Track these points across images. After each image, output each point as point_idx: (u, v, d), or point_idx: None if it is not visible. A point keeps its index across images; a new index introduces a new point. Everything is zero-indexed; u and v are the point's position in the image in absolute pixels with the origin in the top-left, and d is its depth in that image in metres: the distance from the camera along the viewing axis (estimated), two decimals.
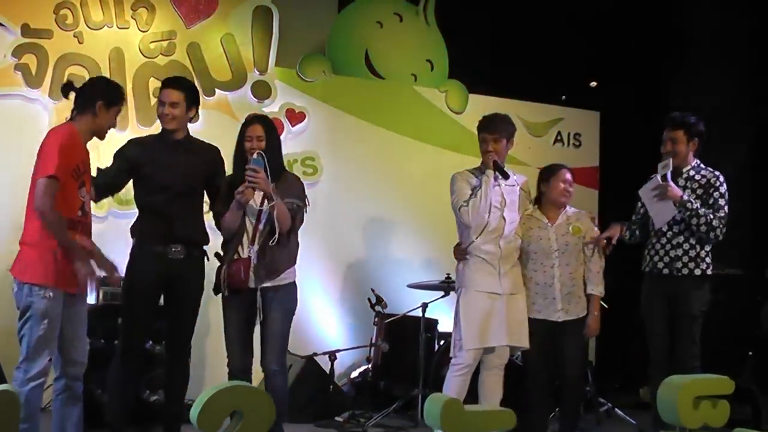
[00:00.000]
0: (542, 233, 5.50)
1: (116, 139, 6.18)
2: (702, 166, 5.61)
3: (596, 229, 5.63)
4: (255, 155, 4.84)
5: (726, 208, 5.46)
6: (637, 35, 8.52)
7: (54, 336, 4.28)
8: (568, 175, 5.60)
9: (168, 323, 5.15)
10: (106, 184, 5.00)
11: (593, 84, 9.04)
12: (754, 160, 8.24)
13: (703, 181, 5.53)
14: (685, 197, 5.40)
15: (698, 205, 5.41)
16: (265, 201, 4.83)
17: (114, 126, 4.61)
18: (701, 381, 2.64)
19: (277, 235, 4.82)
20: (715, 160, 5.73)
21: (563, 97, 8.72)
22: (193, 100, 5.09)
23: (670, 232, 5.53)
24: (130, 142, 5.21)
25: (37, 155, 4.31)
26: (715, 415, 2.63)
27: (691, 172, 5.58)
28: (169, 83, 5.12)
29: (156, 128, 5.21)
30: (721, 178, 5.52)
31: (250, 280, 4.84)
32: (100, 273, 4.41)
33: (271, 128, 5.07)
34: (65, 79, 6.39)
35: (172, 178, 4.96)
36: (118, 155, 5.07)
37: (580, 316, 5.47)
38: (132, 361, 5.01)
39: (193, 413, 2.16)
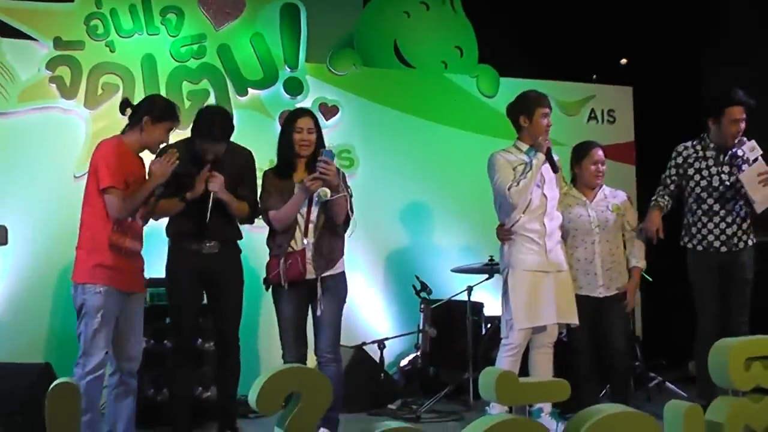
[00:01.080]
0: (581, 210, 5.51)
1: None
2: (742, 139, 5.65)
3: (632, 208, 5.63)
4: (327, 147, 4.92)
5: None
6: (667, 8, 8.44)
7: (109, 330, 4.46)
8: (599, 155, 5.59)
9: (214, 319, 5.25)
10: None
11: (623, 61, 8.98)
12: None
13: (746, 156, 5.57)
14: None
15: None
16: (324, 189, 4.83)
17: (165, 141, 4.76)
18: (752, 342, 2.61)
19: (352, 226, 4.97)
20: (748, 133, 5.70)
21: (594, 76, 8.66)
22: None
23: (723, 210, 5.54)
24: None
25: (89, 167, 4.59)
26: (767, 376, 2.61)
27: (734, 149, 5.62)
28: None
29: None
30: (758, 147, 5.57)
31: (308, 272, 4.87)
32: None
33: (318, 123, 5.10)
34: (100, 89, 6.59)
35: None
36: None
37: (623, 291, 5.49)
38: (184, 360, 5.09)
39: (252, 396, 2.19)
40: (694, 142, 5.75)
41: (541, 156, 5.13)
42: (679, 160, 5.75)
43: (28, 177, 6.45)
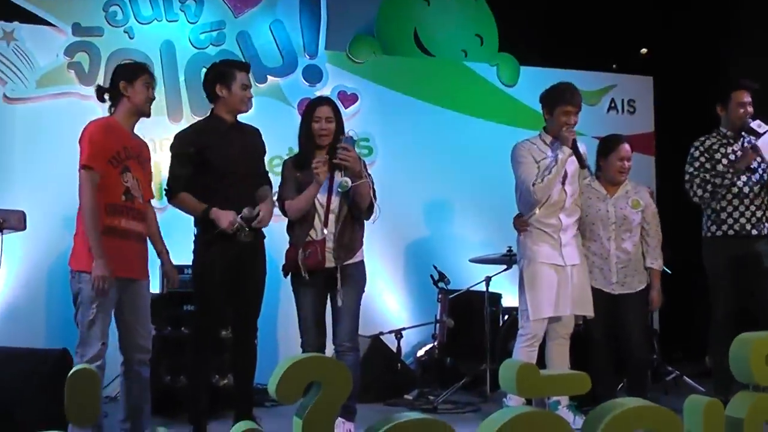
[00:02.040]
0: (601, 205, 5.46)
1: (172, 129, 6.29)
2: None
3: (653, 206, 5.58)
4: (347, 134, 4.87)
5: None
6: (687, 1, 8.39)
7: (106, 321, 4.39)
8: (626, 152, 5.53)
9: (235, 307, 5.07)
10: (192, 188, 4.89)
11: (644, 51, 8.92)
12: None
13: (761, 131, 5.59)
14: None
15: None
16: (345, 178, 4.81)
17: (151, 98, 4.65)
18: None
19: (377, 212, 4.91)
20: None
21: (614, 65, 8.62)
22: None
23: (752, 193, 5.57)
24: (183, 135, 5.06)
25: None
26: None
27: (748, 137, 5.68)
28: (248, 67, 5.14)
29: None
30: None
31: (327, 261, 4.84)
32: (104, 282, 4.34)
33: (337, 111, 5.05)
34: None
35: (235, 161, 4.91)
36: (180, 154, 4.94)
37: (638, 290, 5.44)
38: (206, 349, 5.02)
39: (271, 385, 2.17)
40: (712, 135, 5.80)
41: (567, 150, 5.08)
42: (703, 148, 5.77)
43: (47, 162, 6.46)
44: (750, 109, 5.66)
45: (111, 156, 4.43)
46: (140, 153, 4.65)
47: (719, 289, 5.63)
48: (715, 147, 5.74)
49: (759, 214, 5.64)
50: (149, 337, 4.67)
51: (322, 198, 4.87)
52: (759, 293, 5.60)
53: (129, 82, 4.55)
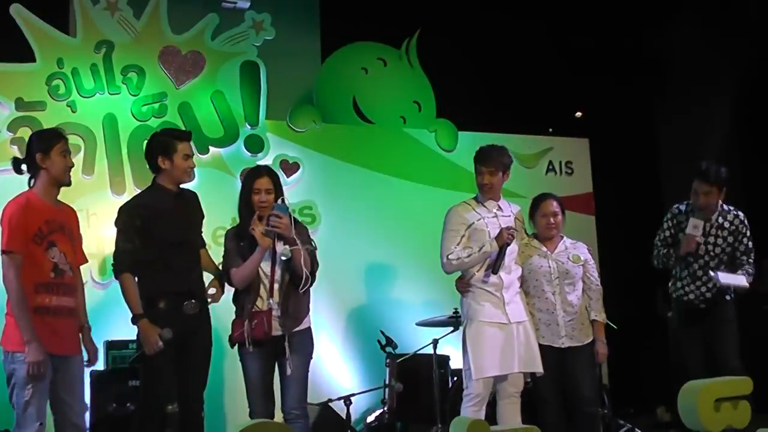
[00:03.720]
0: (542, 261, 5.54)
1: (114, 202, 6.27)
2: (724, 207, 5.85)
3: (592, 260, 5.68)
4: (279, 201, 4.89)
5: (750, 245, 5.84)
6: (620, 62, 8.61)
7: (42, 400, 4.30)
8: (551, 207, 5.63)
9: (181, 380, 4.94)
10: (140, 262, 4.83)
11: (579, 114, 9.12)
12: (743, 175, 8.31)
13: (732, 228, 5.81)
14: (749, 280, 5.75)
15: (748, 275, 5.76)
16: (280, 246, 4.85)
17: (70, 165, 4.60)
18: (720, 383, 2.65)
19: (308, 281, 4.87)
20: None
21: (550, 129, 8.79)
22: None
23: (705, 276, 5.79)
24: (127, 208, 4.97)
25: None
26: (737, 416, 2.63)
27: (720, 219, 5.83)
28: (189, 135, 5.14)
29: None
30: (745, 220, 5.83)
31: (274, 330, 4.84)
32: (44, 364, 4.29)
33: (277, 180, 5.10)
34: None
35: (181, 231, 4.94)
36: (125, 229, 4.85)
37: (585, 342, 5.51)
38: (153, 424, 4.90)
39: None
40: (686, 206, 5.94)
41: (495, 246, 5.17)
42: (673, 221, 5.94)
43: None
44: (708, 198, 5.70)
45: (33, 234, 4.36)
46: (64, 223, 4.57)
47: (687, 348, 5.84)
48: (682, 219, 5.86)
49: (708, 295, 5.80)
50: (83, 414, 4.64)
51: (266, 268, 4.90)
52: (717, 343, 5.76)
53: (45, 153, 4.48)
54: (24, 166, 4.58)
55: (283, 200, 4.89)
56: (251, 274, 4.88)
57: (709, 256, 5.81)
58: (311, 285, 4.98)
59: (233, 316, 5.01)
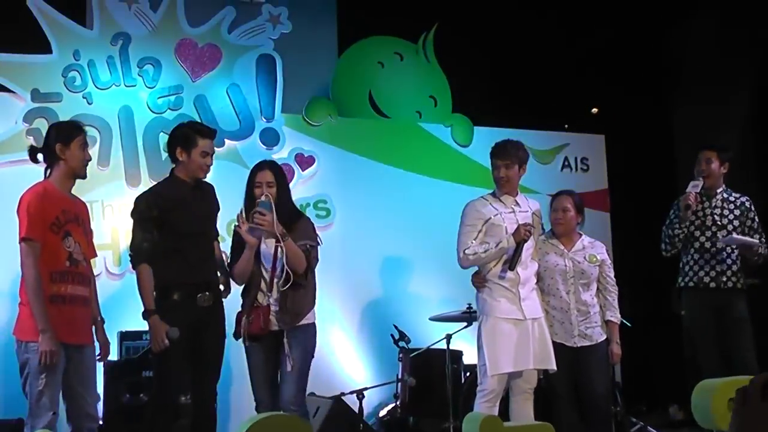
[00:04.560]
0: (558, 260, 5.52)
1: (130, 194, 6.30)
2: (729, 190, 5.93)
3: (609, 260, 5.67)
4: (263, 198, 4.87)
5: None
6: (638, 59, 8.58)
7: (56, 390, 4.33)
8: (559, 203, 5.63)
9: (194, 372, 4.97)
10: (156, 252, 4.82)
11: (594, 110, 9.09)
12: (759, 172, 8.27)
13: (738, 203, 5.87)
14: (763, 250, 5.76)
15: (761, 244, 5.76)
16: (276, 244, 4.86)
17: (88, 159, 4.64)
18: (735, 382, 2.63)
19: (291, 279, 4.83)
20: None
21: (566, 125, 8.76)
22: None
23: (714, 249, 5.77)
24: (144, 198, 4.98)
25: None
26: None
27: (725, 194, 5.90)
28: (213, 133, 5.13)
29: None
30: (752, 206, 5.90)
31: (272, 325, 4.86)
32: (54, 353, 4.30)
33: (280, 174, 5.10)
34: None
35: (197, 222, 4.94)
36: (142, 219, 4.85)
37: (599, 341, 5.49)
38: (166, 415, 4.93)
39: None
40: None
41: (512, 243, 5.15)
42: (676, 207, 5.96)
43: (4, 231, 6.37)
44: (708, 166, 5.85)
45: (50, 223, 4.40)
46: (78, 214, 4.61)
47: (700, 340, 5.80)
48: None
49: (719, 268, 5.78)
50: (96, 405, 4.63)
51: (267, 264, 4.92)
52: (731, 340, 5.74)
53: (65, 144, 4.52)
54: (40, 156, 4.61)
55: (267, 196, 4.88)
56: (245, 271, 4.93)
57: (716, 227, 5.83)
58: (304, 280, 4.94)
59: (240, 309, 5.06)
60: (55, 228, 4.41)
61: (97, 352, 4.71)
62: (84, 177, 4.68)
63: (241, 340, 4.99)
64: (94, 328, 4.69)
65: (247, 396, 5.01)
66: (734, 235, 5.73)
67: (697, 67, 8.52)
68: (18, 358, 4.37)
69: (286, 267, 4.82)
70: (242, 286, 5.09)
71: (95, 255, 4.90)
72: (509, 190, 5.35)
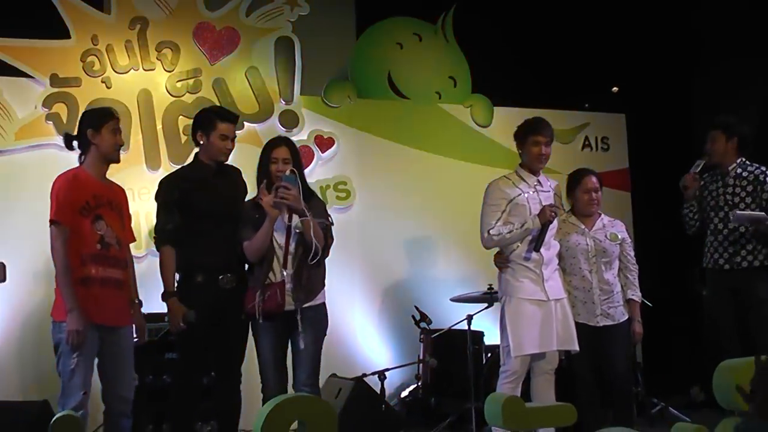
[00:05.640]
0: (580, 239, 5.50)
1: (150, 178, 6.32)
2: (747, 162, 5.77)
3: (629, 239, 5.64)
4: (288, 172, 4.81)
5: None
6: (658, 36, 8.50)
7: (87, 370, 4.38)
8: (592, 183, 5.59)
9: (217, 353, 4.99)
10: (179, 234, 4.85)
11: (615, 89, 9.02)
12: None
13: (751, 177, 5.69)
14: None
15: None
16: (295, 218, 4.78)
17: (120, 144, 4.68)
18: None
19: (319, 252, 4.77)
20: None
21: (586, 105, 8.71)
22: None
23: (726, 229, 5.67)
24: (166, 180, 5.06)
25: None
26: None
27: (738, 170, 5.74)
28: (235, 118, 5.14)
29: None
30: (766, 176, 5.67)
31: (286, 304, 4.77)
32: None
33: (296, 151, 5.03)
34: None
35: (218, 203, 4.94)
36: (165, 201, 4.91)
37: (621, 321, 5.47)
38: (189, 396, 4.95)
39: (257, 426, 2.18)
40: (714, 171, 5.91)
41: (537, 223, 5.13)
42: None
43: (26, 215, 6.43)
44: (708, 146, 5.78)
45: (80, 207, 4.44)
46: (113, 199, 4.64)
47: (719, 320, 5.72)
48: (707, 184, 5.85)
49: (731, 249, 5.66)
50: (130, 387, 4.63)
51: (280, 239, 4.81)
52: (751, 320, 5.63)
53: (96, 130, 4.57)
54: (75, 143, 4.66)
55: (293, 171, 4.84)
56: (263, 246, 4.80)
57: (728, 206, 5.70)
58: (323, 258, 4.89)
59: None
60: (85, 212, 4.45)
61: (134, 334, 4.75)
62: (117, 161, 4.72)
63: (248, 322, 4.90)
64: (131, 310, 4.72)
65: (252, 376, 4.94)
66: (737, 211, 5.61)
67: (719, 44, 8.43)
68: (53, 337, 4.43)
69: (314, 241, 4.76)
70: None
71: (133, 239, 4.96)
72: (540, 168, 5.31)
